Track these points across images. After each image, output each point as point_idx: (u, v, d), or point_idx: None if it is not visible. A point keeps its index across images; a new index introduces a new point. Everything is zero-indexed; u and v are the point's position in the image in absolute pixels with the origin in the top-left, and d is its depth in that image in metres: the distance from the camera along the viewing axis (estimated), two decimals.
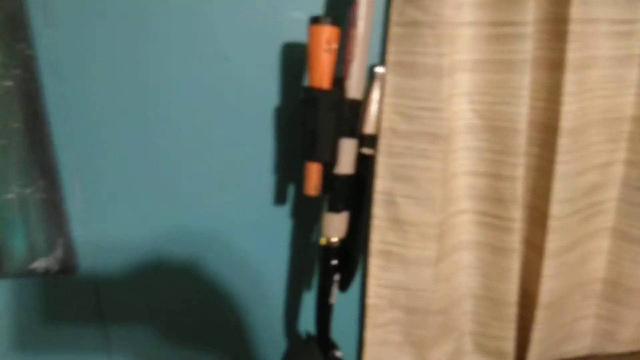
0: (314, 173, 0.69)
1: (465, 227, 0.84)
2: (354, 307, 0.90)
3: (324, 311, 0.75)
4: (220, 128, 0.79)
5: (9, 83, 0.73)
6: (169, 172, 0.80)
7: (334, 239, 0.72)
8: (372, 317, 0.86)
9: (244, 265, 0.86)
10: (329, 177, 0.70)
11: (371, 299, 0.85)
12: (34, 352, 0.87)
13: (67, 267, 0.81)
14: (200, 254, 0.85)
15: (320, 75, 0.65)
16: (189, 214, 0.82)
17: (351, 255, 0.73)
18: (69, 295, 0.84)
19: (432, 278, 0.82)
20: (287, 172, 0.82)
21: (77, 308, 0.85)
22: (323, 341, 0.76)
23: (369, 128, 0.72)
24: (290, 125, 0.79)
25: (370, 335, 0.87)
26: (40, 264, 0.80)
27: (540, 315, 0.86)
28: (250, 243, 0.85)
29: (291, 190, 0.83)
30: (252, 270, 0.86)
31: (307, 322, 0.90)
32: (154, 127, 0.78)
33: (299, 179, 0.82)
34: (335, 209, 0.71)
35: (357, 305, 0.90)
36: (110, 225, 0.81)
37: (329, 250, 0.73)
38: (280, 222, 0.84)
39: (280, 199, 0.83)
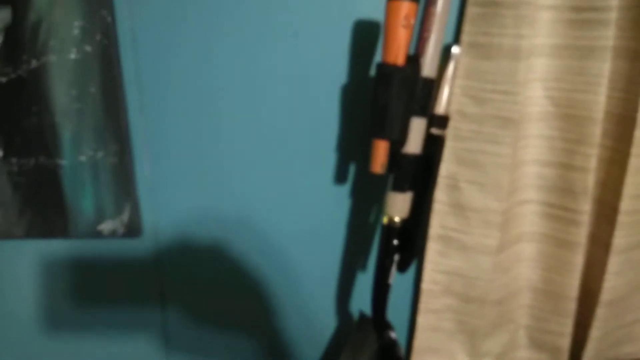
0: (381, 151, 0.67)
1: (529, 218, 0.81)
2: (407, 292, 0.87)
3: (381, 291, 0.73)
4: (285, 103, 0.78)
5: (89, 48, 0.74)
6: (232, 143, 0.79)
7: (397, 219, 0.70)
8: (426, 303, 0.84)
9: (300, 242, 0.85)
10: (396, 156, 0.68)
11: (426, 284, 0.83)
12: (94, 310, 0.89)
13: (132, 231, 0.82)
14: (258, 229, 0.84)
15: (396, 51, 0.63)
16: (250, 187, 0.82)
17: (413, 236, 0.71)
18: (131, 257, 0.85)
19: (491, 267, 0.79)
20: (350, 150, 0.80)
21: (137, 271, 0.86)
22: (378, 321, 0.75)
23: (440, 108, 0.69)
24: (357, 103, 0.77)
25: (422, 320, 0.85)
26: (107, 226, 0.82)
27: (601, 313, 0.82)
28: (307, 220, 0.84)
29: (352, 169, 0.81)
30: (307, 247, 0.85)
31: (358, 302, 0.88)
32: (221, 99, 0.77)
33: (361, 158, 0.80)
34: (400, 188, 0.69)
35: (410, 290, 0.88)
36: (174, 193, 0.82)
37: (390, 229, 0.71)
38: (339, 200, 0.83)
39: (341, 177, 0.81)
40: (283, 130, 0.79)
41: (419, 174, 0.69)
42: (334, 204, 0.83)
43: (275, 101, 0.77)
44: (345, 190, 0.82)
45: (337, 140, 0.80)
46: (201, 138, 0.79)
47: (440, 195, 0.77)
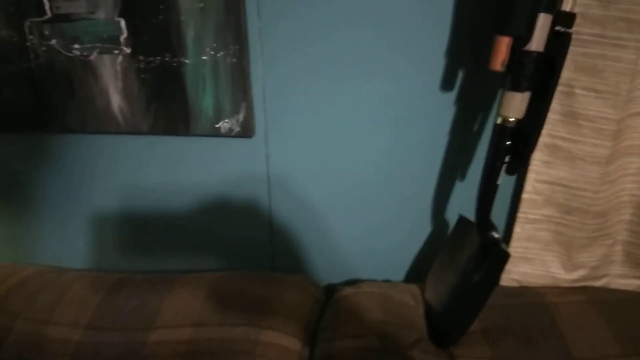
0: (503, 47, 0.63)
1: None
2: (504, 200, 0.84)
3: (488, 191, 0.71)
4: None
5: None
6: (342, 45, 0.77)
7: (511, 119, 0.67)
8: (525, 212, 0.81)
9: (401, 148, 0.84)
10: (518, 54, 0.64)
11: (527, 194, 0.80)
12: (205, 205, 0.92)
13: (246, 130, 0.83)
14: (360, 137, 0.83)
15: None
16: (357, 95, 0.80)
17: (528, 138, 0.68)
18: (243, 156, 0.86)
19: (598, 178, 0.75)
20: (458, 54, 0.76)
21: (249, 168, 0.88)
22: (482, 222, 0.73)
23: (567, 5, 0.64)
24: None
25: (519, 230, 0.82)
26: (224, 124, 0.83)
27: None
28: (408, 129, 0.82)
29: (459, 76, 0.78)
30: (408, 153, 0.84)
31: (454, 209, 0.86)
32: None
33: (470, 62, 0.77)
34: (519, 87, 0.65)
35: (508, 199, 0.85)
36: (284, 97, 0.82)
37: (504, 130, 0.68)
38: (443, 108, 0.80)
39: (447, 84, 0.78)
40: (391, 24, 0.76)
41: (538, 75, 0.65)
42: (438, 112, 0.80)
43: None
44: (451, 98, 0.79)
45: (447, 42, 0.76)
46: (314, 43, 0.78)
47: (553, 103, 0.73)
